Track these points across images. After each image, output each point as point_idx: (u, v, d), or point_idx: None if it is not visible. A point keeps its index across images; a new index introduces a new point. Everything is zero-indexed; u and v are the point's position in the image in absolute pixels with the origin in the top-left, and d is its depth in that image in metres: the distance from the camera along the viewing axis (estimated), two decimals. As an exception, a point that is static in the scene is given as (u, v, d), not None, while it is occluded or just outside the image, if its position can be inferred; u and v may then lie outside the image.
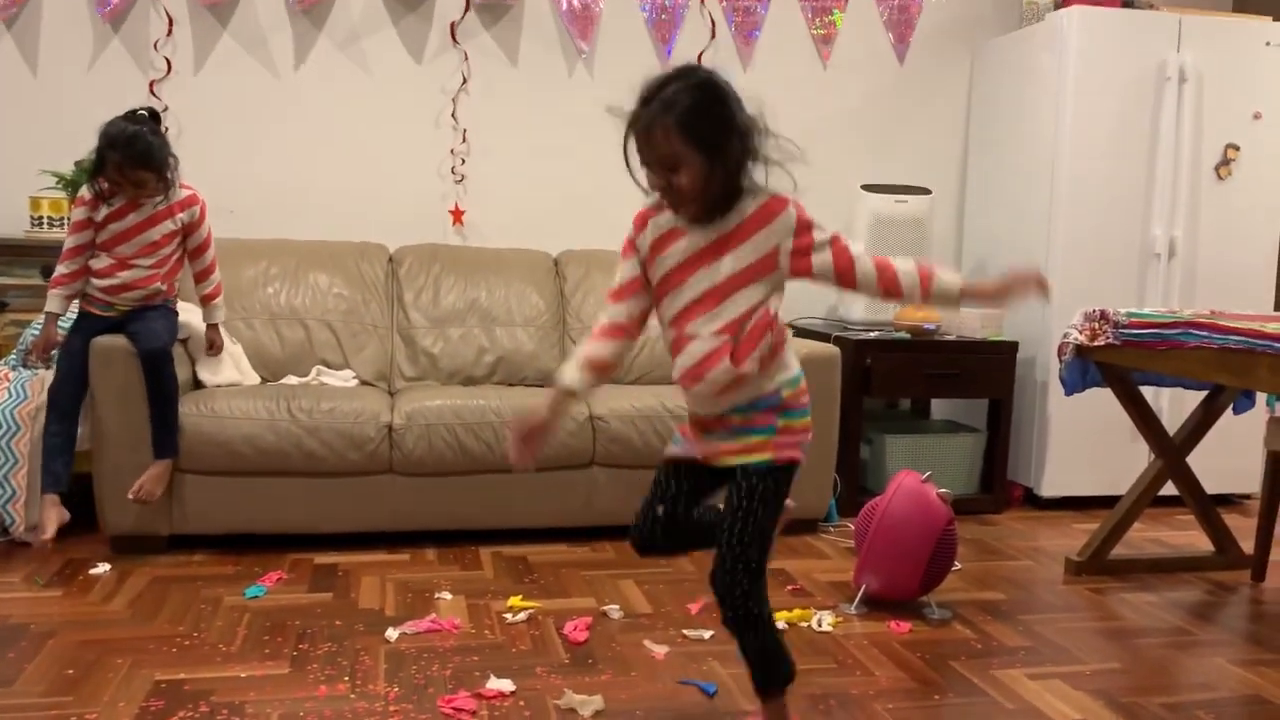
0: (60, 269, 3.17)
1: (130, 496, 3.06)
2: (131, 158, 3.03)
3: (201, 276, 3.33)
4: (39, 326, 3.34)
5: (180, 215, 3.21)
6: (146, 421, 3.08)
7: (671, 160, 1.74)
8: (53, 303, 3.17)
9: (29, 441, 3.14)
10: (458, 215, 4.16)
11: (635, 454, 3.39)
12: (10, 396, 3.19)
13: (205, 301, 3.35)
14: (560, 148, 4.20)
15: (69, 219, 3.61)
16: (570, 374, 1.89)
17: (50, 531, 3.04)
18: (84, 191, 3.16)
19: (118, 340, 3.10)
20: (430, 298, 3.84)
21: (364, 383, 3.67)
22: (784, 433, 1.88)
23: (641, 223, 1.90)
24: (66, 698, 2.17)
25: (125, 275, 3.17)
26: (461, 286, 3.87)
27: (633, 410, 3.42)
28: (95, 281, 3.18)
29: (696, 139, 1.73)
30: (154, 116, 3.14)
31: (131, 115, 3.09)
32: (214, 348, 3.38)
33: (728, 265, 1.81)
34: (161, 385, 3.10)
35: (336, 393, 3.37)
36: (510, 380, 3.79)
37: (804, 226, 1.82)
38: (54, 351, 3.20)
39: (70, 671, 2.30)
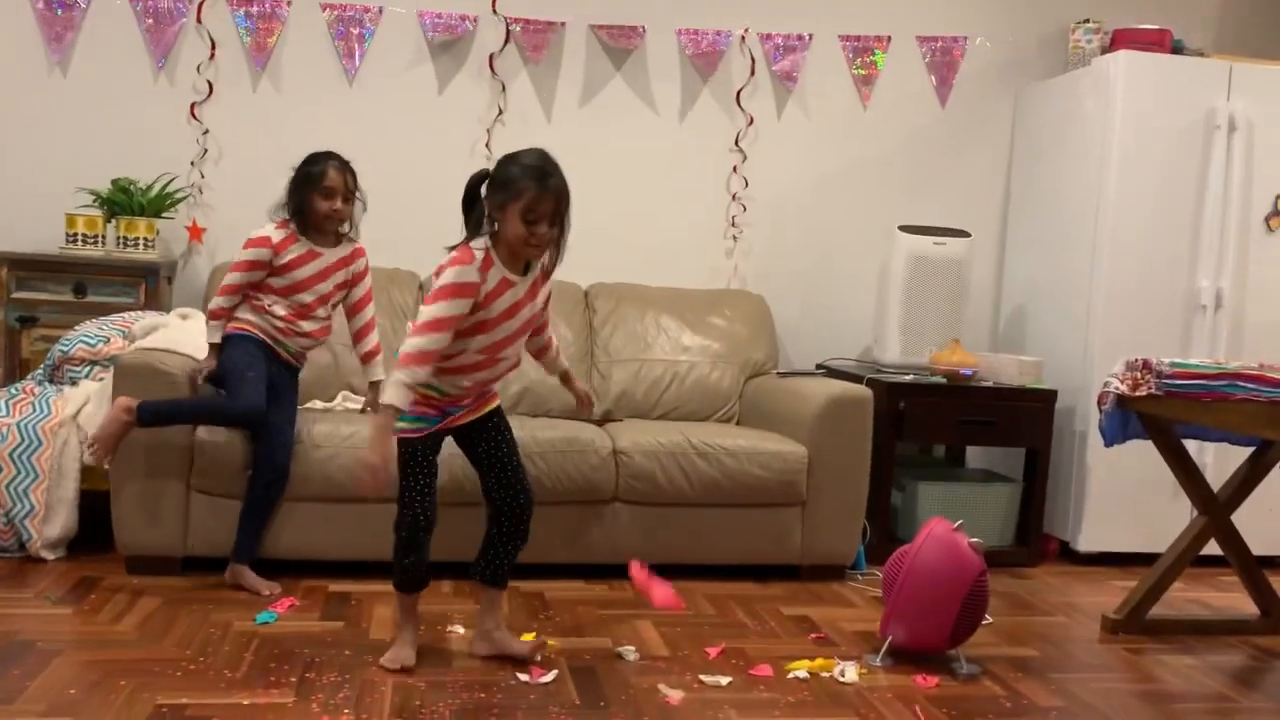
0: (222, 302, 3.03)
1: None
2: (347, 166, 3.04)
3: (364, 333, 3.23)
4: (68, 343, 3.34)
5: (353, 265, 3.15)
6: (171, 451, 3.03)
7: (555, 218, 2.37)
8: (214, 334, 3.05)
9: (50, 457, 3.13)
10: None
11: (658, 490, 3.32)
12: (34, 411, 3.18)
13: (367, 359, 3.24)
14: (589, 181, 4.16)
15: (121, 237, 3.63)
16: (400, 396, 2.29)
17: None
18: (270, 231, 3.01)
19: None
20: (459, 327, 3.79)
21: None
22: None
23: (485, 272, 2.34)
24: (65, 719, 2.12)
25: (307, 325, 3.09)
26: (490, 316, 3.81)
27: (657, 445, 3.35)
28: (274, 322, 3.06)
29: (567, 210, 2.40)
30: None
31: None
32: (371, 408, 3.23)
33: (536, 305, 2.49)
34: (273, 496, 3.04)
35: (359, 419, 3.33)
36: (534, 411, 3.74)
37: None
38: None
39: (72, 691, 2.25)
